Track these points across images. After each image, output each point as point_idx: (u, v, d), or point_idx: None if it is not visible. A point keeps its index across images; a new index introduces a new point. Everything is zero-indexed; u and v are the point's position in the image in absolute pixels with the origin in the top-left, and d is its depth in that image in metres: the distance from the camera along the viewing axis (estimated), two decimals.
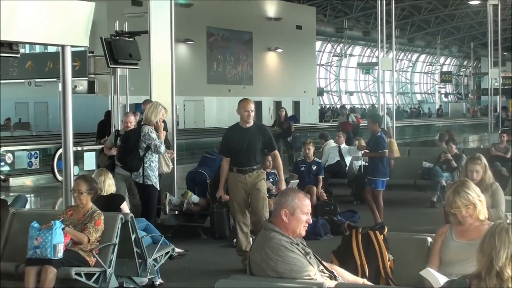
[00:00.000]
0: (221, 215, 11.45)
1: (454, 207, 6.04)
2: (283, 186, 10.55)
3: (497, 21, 32.92)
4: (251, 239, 10.00)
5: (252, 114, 10.28)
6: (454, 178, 15.73)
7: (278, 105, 47.89)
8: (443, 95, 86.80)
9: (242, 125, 10.38)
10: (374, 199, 13.34)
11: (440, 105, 76.22)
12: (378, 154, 13.26)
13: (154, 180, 11.32)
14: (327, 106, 68.66)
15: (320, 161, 14.78)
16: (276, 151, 10.79)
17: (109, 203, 9.40)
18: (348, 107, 70.54)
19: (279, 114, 25.19)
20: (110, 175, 9.99)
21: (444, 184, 15.88)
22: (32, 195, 19.46)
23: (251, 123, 10.32)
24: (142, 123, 11.35)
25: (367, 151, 13.95)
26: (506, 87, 44.87)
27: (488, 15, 32.74)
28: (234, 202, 10.42)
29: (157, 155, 11.34)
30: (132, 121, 12.47)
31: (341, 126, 27.89)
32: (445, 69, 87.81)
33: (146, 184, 11.22)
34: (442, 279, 5.50)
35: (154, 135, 11.11)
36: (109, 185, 9.77)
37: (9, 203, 9.63)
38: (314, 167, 14.26)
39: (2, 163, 21.98)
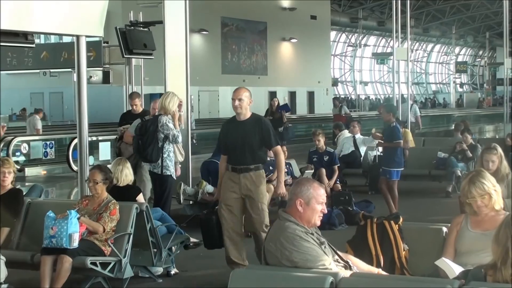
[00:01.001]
0: (210, 223, 9.47)
1: (470, 197, 6.03)
2: (282, 189, 9.23)
3: None
4: (244, 249, 9.14)
5: (242, 103, 8.98)
6: (469, 168, 15.71)
7: (292, 95, 47.93)
8: (458, 85, 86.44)
9: (237, 118, 9.18)
10: (389, 189, 13.33)
11: (460, 95, 75.92)
12: (392, 144, 13.25)
13: (172, 170, 11.34)
14: (342, 96, 68.55)
15: (332, 150, 14.70)
16: (278, 148, 9.25)
17: (126, 194, 9.41)
18: (363, 97, 70.55)
19: (271, 104, 24.41)
20: (128, 165, 9.96)
21: (459, 174, 15.83)
22: (47, 185, 19.51)
23: (244, 114, 9.07)
24: (157, 113, 11.33)
25: (382, 141, 13.95)
26: None
27: (503, 4, 32.53)
28: (222, 203, 9.09)
29: (172, 145, 11.33)
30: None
31: (334, 118, 27.84)
32: (460, 59, 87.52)
33: (165, 174, 11.21)
34: (457, 269, 5.50)
35: (171, 125, 11.10)
36: (126, 175, 9.73)
37: (24, 193, 9.64)
38: (326, 158, 14.19)
39: (18, 153, 22.05)
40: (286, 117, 24.55)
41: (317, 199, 5.57)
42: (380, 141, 14.28)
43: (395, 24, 24.96)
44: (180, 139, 11.42)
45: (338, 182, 14.22)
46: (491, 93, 74.83)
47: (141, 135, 11.24)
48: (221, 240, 9.25)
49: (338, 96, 65.85)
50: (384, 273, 5.86)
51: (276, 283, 5.28)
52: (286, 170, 13.86)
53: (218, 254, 10.81)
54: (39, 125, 25.73)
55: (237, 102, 9.00)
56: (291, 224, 5.50)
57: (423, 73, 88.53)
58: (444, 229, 6.31)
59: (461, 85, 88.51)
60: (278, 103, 24.31)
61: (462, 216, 6.23)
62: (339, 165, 14.39)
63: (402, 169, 13.57)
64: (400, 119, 26.36)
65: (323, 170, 13.79)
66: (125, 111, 23.80)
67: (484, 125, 43.43)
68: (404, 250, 6.26)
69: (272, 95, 46.65)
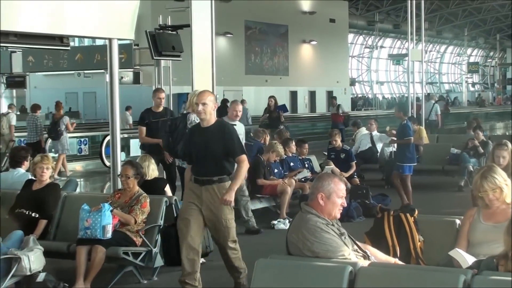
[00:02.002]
0: (169, 236, 8.49)
1: (482, 191, 6.02)
2: (230, 196, 7.66)
3: None
4: (197, 269, 7.87)
5: (206, 108, 7.73)
6: (481, 163, 15.65)
7: (312, 94, 47.85)
8: (470, 85, 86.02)
9: (201, 124, 7.92)
10: (402, 183, 13.40)
11: (479, 94, 75.40)
12: (403, 141, 13.41)
13: None
14: (359, 96, 68.36)
15: (348, 148, 14.78)
16: (242, 157, 7.84)
17: (154, 186, 9.46)
18: (380, 96, 70.35)
19: (268, 103, 23.19)
20: (153, 161, 10.05)
21: (471, 169, 15.81)
22: (82, 179, 19.61)
23: (208, 120, 7.81)
24: (185, 111, 11.34)
25: (395, 138, 14.05)
26: None
27: None
28: (180, 215, 7.93)
29: None
30: (241, 109, 12.22)
31: (332, 117, 27.65)
32: (472, 60, 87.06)
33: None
34: (470, 259, 5.49)
35: None
36: (152, 169, 9.83)
37: (60, 187, 9.69)
38: (343, 155, 14.30)
39: (53, 150, 22.13)
40: (284, 117, 23.92)
41: (337, 193, 5.57)
42: (393, 138, 14.36)
43: (410, 27, 24.86)
44: None
45: (355, 176, 14.23)
46: (502, 92, 74.43)
47: (171, 132, 11.19)
48: (179, 256, 7.95)
49: (356, 95, 65.79)
50: (400, 262, 5.86)
51: (298, 273, 5.29)
52: (306, 165, 13.91)
53: (243, 244, 10.82)
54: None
55: (200, 107, 7.74)
56: (313, 217, 5.50)
57: (436, 73, 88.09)
58: (457, 221, 6.30)
59: (473, 84, 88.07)
60: (276, 103, 23.11)
61: (475, 209, 6.22)
62: (355, 161, 14.40)
63: (415, 164, 13.68)
64: (424, 117, 26.56)
65: (337, 169, 13.83)
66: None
67: (495, 123, 43.19)
68: (419, 241, 6.26)
69: (293, 94, 46.70)
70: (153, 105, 13.03)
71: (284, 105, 23.76)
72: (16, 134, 21.84)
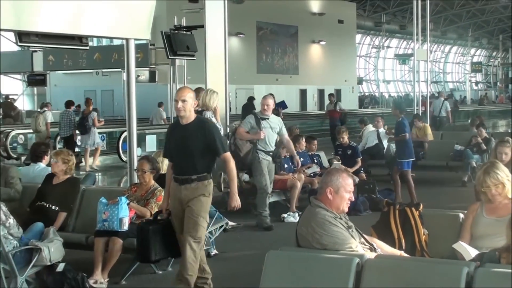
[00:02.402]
0: (145, 233, 7.68)
1: (485, 186, 6.01)
2: (235, 202, 7.45)
3: None
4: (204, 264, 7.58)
5: (186, 105, 7.24)
6: (484, 159, 15.63)
7: (321, 93, 47.79)
8: (473, 84, 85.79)
9: (180, 121, 7.42)
10: (404, 179, 13.42)
11: (486, 92, 75.12)
12: (399, 138, 13.44)
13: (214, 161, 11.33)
14: (366, 94, 68.25)
15: (355, 145, 14.75)
16: (227, 155, 7.46)
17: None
18: (387, 95, 70.24)
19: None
20: None
21: (474, 165, 15.77)
22: (99, 173, 19.65)
23: (188, 117, 7.31)
24: (199, 109, 11.32)
25: (393, 136, 14.17)
26: None
27: None
28: (173, 217, 7.53)
29: None
30: (271, 104, 11.93)
31: (328, 114, 27.47)
32: (475, 59, 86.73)
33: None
34: (473, 252, 5.48)
35: (214, 119, 11.14)
36: (167, 164, 9.82)
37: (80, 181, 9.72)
38: (349, 151, 14.28)
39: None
40: (287, 114, 23.47)
41: (345, 188, 5.57)
42: (391, 136, 14.47)
43: (415, 28, 24.79)
44: (222, 132, 11.46)
45: (362, 171, 14.21)
46: (504, 91, 74.18)
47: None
48: (156, 254, 7.64)
49: (363, 93, 65.67)
50: (405, 255, 5.86)
51: (307, 264, 5.30)
52: (315, 160, 13.91)
53: (254, 237, 10.87)
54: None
55: (180, 104, 7.24)
56: (321, 210, 5.51)
57: (441, 73, 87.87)
58: (461, 216, 6.29)
59: (476, 83, 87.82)
60: (274, 101, 22.56)
61: (478, 203, 6.22)
62: (361, 157, 14.38)
63: (413, 159, 13.74)
64: (434, 113, 26.70)
65: (342, 166, 13.82)
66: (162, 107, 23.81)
67: (498, 120, 43.05)
68: (424, 234, 6.25)
69: (303, 92, 46.69)
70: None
71: (283, 102, 23.37)
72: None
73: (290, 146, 12.14)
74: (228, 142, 11.59)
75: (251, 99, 28.18)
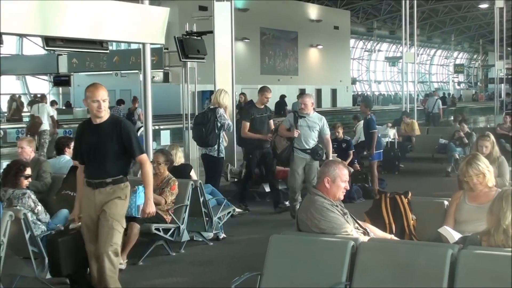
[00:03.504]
0: (54, 246, 6.61)
1: (467, 176, 6.01)
2: (149, 208, 6.49)
3: (502, 22, 32.45)
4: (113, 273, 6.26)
5: (106, 105, 6.18)
6: (466, 152, 15.60)
7: (318, 92, 47.80)
8: (456, 84, 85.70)
9: (93, 120, 6.26)
10: (370, 169, 13.39)
11: (476, 91, 74.94)
12: (373, 138, 13.36)
13: (224, 153, 11.35)
14: (359, 93, 68.21)
15: (349, 139, 14.64)
16: (143, 157, 6.31)
17: (181, 171, 9.47)
18: (377, 93, 70.10)
19: (239, 100, 21.82)
20: (180, 149, 10.08)
21: (457, 157, 15.77)
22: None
23: (102, 117, 6.17)
24: (211, 106, 11.29)
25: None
26: (509, 76, 44.09)
27: (495, 16, 32.28)
28: (82, 224, 6.41)
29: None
30: (308, 102, 10.92)
31: None
32: (458, 62, 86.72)
33: (220, 156, 11.20)
34: (457, 236, 5.48)
35: (226, 116, 11.16)
36: (179, 157, 9.85)
37: None
38: (344, 145, 14.18)
39: None
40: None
41: (341, 178, 5.57)
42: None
43: (404, 33, 24.75)
44: (231, 128, 11.48)
45: (356, 163, 14.18)
46: (484, 90, 74.11)
47: (203, 124, 11.07)
48: (72, 267, 6.56)
49: (356, 92, 65.57)
50: (396, 238, 5.86)
51: (307, 247, 5.30)
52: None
53: (259, 222, 10.87)
54: (53, 113, 25.62)
55: (102, 105, 6.13)
56: (320, 198, 5.50)
57: (426, 74, 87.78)
58: (446, 203, 6.29)
59: (459, 83, 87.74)
60: (245, 99, 21.90)
61: (461, 192, 6.21)
62: (353, 150, 14.32)
63: (381, 151, 13.89)
64: (428, 110, 26.96)
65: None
66: (184, 105, 23.53)
67: (478, 117, 42.98)
68: (412, 219, 6.25)
69: (302, 91, 46.63)
70: (256, 101, 12.35)
71: (251, 101, 22.81)
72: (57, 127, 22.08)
73: (327, 146, 10.99)
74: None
75: (282, 96, 28.08)
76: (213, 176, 11.20)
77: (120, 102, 22.41)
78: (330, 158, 10.65)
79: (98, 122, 6.19)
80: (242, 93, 22.48)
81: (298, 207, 9.24)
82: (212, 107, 11.22)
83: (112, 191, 6.16)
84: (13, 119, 28.67)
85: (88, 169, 6.29)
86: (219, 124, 11.00)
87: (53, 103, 25.44)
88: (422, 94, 68.46)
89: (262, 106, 11.97)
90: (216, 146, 11.07)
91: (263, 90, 12.11)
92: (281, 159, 11.23)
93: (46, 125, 21.50)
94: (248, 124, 11.77)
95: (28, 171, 7.63)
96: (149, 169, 6.36)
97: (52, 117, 22.09)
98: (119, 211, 6.22)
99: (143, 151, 6.37)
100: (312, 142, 10.70)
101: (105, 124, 6.19)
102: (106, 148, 6.17)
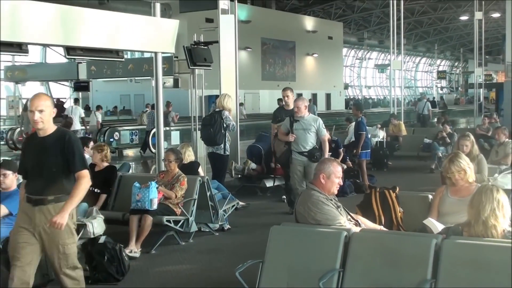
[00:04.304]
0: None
1: (449, 172, 6.00)
2: (58, 218, 4.94)
3: (481, 32, 32.44)
4: None
5: (44, 116, 5.11)
6: (448, 151, 15.57)
7: (314, 96, 47.74)
8: (439, 88, 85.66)
9: (38, 133, 5.26)
10: (359, 166, 13.40)
11: (456, 96, 74.88)
12: (360, 139, 13.37)
13: (229, 151, 11.34)
14: (351, 97, 68.18)
15: (336, 138, 14.49)
16: (82, 173, 5.15)
17: (190, 168, 9.47)
18: (367, 97, 70.00)
19: (217, 104, 21.44)
20: (190, 148, 10.07)
21: (440, 155, 15.73)
22: (133, 162, 19.66)
23: (46, 129, 5.18)
24: (217, 109, 11.28)
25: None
26: (487, 82, 44.10)
27: (474, 27, 32.27)
28: (11, 241, 5.29)
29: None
30: (302, 105, 10.06)
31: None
32: (441, 68, 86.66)
33: (225, 154, 11.19)
34: (440, 227, 5.47)
35: (230, 117, 11.18)
36: (188, 155, 9.85)
37: (117, 169, 9.73)
38: (333, 145, 14.12)
39: (112, 139, 22.27)
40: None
41: (335, 174, 5.57)
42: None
43: (392, 42, 24.73)
44: (235, 128, 11.51)
45: (348, 160, 14.14)
46: (464, 95, 74.07)
47: (211, 125, 11.06)
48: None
49: (348, 96, 65.53)
50: (385, 229, 5.85)
51: (305, 237, 5.29)
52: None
53: (261, 214, 10.85)
54: (100, 118, 25.82)
55: (37, 115, 5.10)
56: (316, 192, 5.50)
57: (412, 79, 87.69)
58: (430, 196, 6.28)
59: (441, 88, 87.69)
60: (306, 102, 21.79)
61: (443, 186, 6.20)
62: (342, 148, 14.26)
63: (369, 150, 13.76)
64: (419, 112, 27.13)
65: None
66: (191, 107, 23.52)
67: (459, 118, 42.93)
68: (399, 212, 6.23)
69: (299, 96, 46.57)
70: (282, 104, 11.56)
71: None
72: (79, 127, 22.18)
73: (323, 147, 9.98)
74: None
75: (311, 100, 27.83)
76: (219, 173, 11.21)
77: (154, 106, 22.32)
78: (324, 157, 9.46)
79: (42, 135, 5.21)
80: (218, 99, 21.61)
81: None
82: (217, 109, 11.22)
83: (53, 211, 5.08)
84: None
85: (29, 185, 5.26)
86: (224, 125, 11.00)
87: (98, 107, 25.57)
88: (408, 98, 68.60)
89: (290, 108, 10.76)
90: (222, 145, 11.08)
91: (283, 91, 11.31)
92: (281, 162, 10.80)
93: (77, 125, 21.81)
94: (275, 126, 11.05)
95: None
96: (85, 185, 5.15)
97: (82, 118, 22.41)
98: (67, 235, 5.16)
99: (85, 166, 5.22)
100: (309, 144, 9.83)
101: (50, 137, 5.19)
102: (50, 163, 5.16)
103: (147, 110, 23.12)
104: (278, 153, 10.58)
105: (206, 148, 11.50)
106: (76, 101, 25.25)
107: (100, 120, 23.82)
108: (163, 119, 20.40)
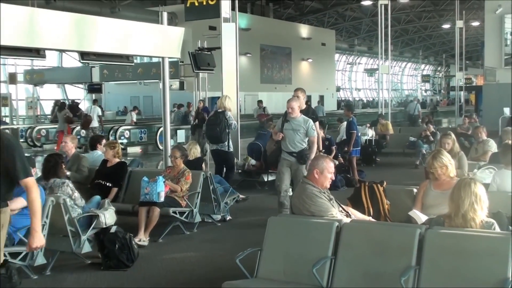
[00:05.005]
0: None
1: (433, 168, 6.00)
2: (36, 241, 4.21)
3: (462, 39, 32.50)
4: None
5: None
6: (431, 148, 15.58)
7: (309, 98, 47.62)
8: (423, 91, 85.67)
9: None
10: (350, 163, 13.40)
11: (437, 98, 74.86)
12: (351, 138, 13.39)
13: (232, 148, 11.33)
14: (342, 99, 68.15)
15: (329, 137, 14.49)
16: (29, 181, 4.24)
17: (195, 164, 9.48)
18: (358, 99, 70.06)
19: (198, 106, 20.09)
20: (197, 146, 10.08)
21: (424, 152, 15.75)
22: (142, 158, 19.64)
23: None
24: (219, 110, 11.24)
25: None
26: (467, 85, 44.08)
27: (455, 35, 32.27)
28: None
29: None
30: (295, 106, 8.92)
31: (259, 116, 27.19)
32: (425, 72, 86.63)
33: (229, 151, 11.18)
34: (424, 218, 5.47)
35: (232, 117, 11.20)
36: (194, 152, 9.85)
37: (127, 164, 9.72)
38: (327, 142, 14.12)
39: (122, 137, 22.27)
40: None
41: (328, 170, 5.57)
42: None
43: (380, 49, 24.77)
44: (236, 127, 11.54)
45: (339, 156, 14.14)
46: (446, 97, 74.07)
47: (217, 124, 10.96)
48: None
49: (340, 98, 65.51)
50: (373, 220, 5.86)
51: (300, 227, 5.29)
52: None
53: (259, 206, 10.84)
54: (135, 118, 26.00)
55: None
56: (310, 186, 5.50)
57: (398, 83, 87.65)
58: (415, 190, 6.28)
59: (425, 90, 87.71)
60: (203, 105, 20.35)
61: (427, 181, 6.20)
62: (335, 146, 14.25)
63: (359, 148, 13.86)
64: (409, 112, 27.35)
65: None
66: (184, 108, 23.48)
67: (442, 118, 42.93)
68: (387, 204, 6.24)
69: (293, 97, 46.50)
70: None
71: (206, 107, 20.99)
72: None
73: (311, 148, 8.83)
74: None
75: (306, 102, 27.72)
76: (225, 168, 11.23)
77: (180, 106, 22.45)
78: (309, 159, 8.47)
79: None
80: (201, 100, 20.81)
81: (286, 202, 8.44)
82: (220, 110, 11.21)
83: None
84: (55, 120, 28.74)
85: None
86: (227, 124, 11.00)
87: (134, 108, 25.85)
88: (395, 100, 68.59)
89: (303, 108, 9.62)
90: (226, 142, 11.06)
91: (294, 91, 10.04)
92: (270, 161, 10.41)
93: (95, 123, 22.06)
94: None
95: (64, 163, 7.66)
96: (35, 195, 4.27)
97: (100, 116, 22.66)
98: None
99: (28, 174, 4.30)
100: (297, 144, 8.78)
101: None
102: None
103: (174, 109, 23.22)
104: (268, 152, 10.42)
105: (209, 146, 11.47)
106: (95, 101, 25.35)
107: (134, 119, 24.03)
108: (185, 118, 20.40)
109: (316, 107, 35.41)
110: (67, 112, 22.42)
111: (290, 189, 8.78)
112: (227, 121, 10.96)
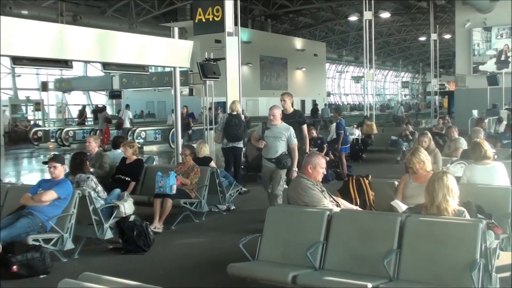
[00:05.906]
0: None
1: (411, 163, 5.99)
2: None
3: (436, 50, 32.46)
4: None
5: None
6: (410, 145, 15.56)
7: (303, 102, 47.66)
8: (403, 96, 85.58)
9: None
10: (340, 159, 13.49)
11: (416, 102, 74.73)
12: (339, 137, 13.48)
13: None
14: (332, 103, 68.05)
15: (321, 136, 14.44)
16: None
17: (203, 161, 9.47)
18: (346, 103, 69.96)
19: (182, 111, 18.35)
20: (206, 145, 10.07)
21: (404, 149, 15.72)
22: (156, 156, 19.63)
23: None
24: (233, 113, 11.15)
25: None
26: (441, 90, 44.02)
27: (430, 46, 32.28)
28: None
29: None
30: (277, 114, 8.09)
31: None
32: (404, 79, 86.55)
33: (243, 148, 11.21)
34: (404, 207, 5.48)
35: (243, 117, 11.25)
36: (203, 150, 9.84)
37: (144, 161, 9.72)
38: (319, 141, 14.08)
39: (139, 138, 22.28)
40: (192, 123, 21.34)
41: (320, 165, 5.58)
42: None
43: (365, 58, 24.72)
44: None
45: (330, 154, 14.11)
46: (423, 100, 73.99)
47: (237, 125, 10.87)
48: None
49: (330, 102, 65.46)
50: (360, 209, 5.86)
51: (295, 215, 5.29)
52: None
53: (259, 198, 10.82)
54: (130, 115, 25.78)
55: None
56: (304, 180, 5.50)
57: (381, 89, 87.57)
58: (396, 183, 6.28)
59: (405, 95, 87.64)
60: (187, 111, 19.91)
61: (407, 175, 6.19)
62: (326, 144, 14.20)
63: (348, 145, 13.94)
64: (394, 113, 27.54)
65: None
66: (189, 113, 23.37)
67: (420, 119, 42.89)
68: (372, 195, 6.24)
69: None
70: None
71: (192, 113, 20.89)
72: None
73: (293, 155, 7.96)
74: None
75: (315, 104, 27.52)
76: (236, 163, 11.16)
77: (209, 109, 22.42)
78: (295, 167, 7.87)
79: None
80: (185, 106, 20.13)
81: (275, 202, 7.72)
82: (234, 113, 11.11)
83: None
84: (81, 123, 28.74)
85: None
86: (245, 125, 11.09)
87: (127, 106, 25.68)
88: (378, 104, 68.53)
89: (287, 112, 8.92)
90: (242, 141, 11.08)
91: (281, 95, 9.37)
92: (252, 167, 10.21)
93: (127, 124, 22.28)
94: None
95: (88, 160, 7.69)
96: None
97: (131, 119, 23.02)
98: None
99: None
100: (278, 151, 7.91)
101: None
102: None
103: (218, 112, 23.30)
104: (250, 158, 10.09)
105: (225, 144, 11.14)
106: (127, 106, 25.20)
107: (130, 116, 23.95)
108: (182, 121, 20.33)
109: (323, 109, 35.65)
110: (106, 114, 22.76)
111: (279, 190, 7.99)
112: (243, 122, 11.02)
